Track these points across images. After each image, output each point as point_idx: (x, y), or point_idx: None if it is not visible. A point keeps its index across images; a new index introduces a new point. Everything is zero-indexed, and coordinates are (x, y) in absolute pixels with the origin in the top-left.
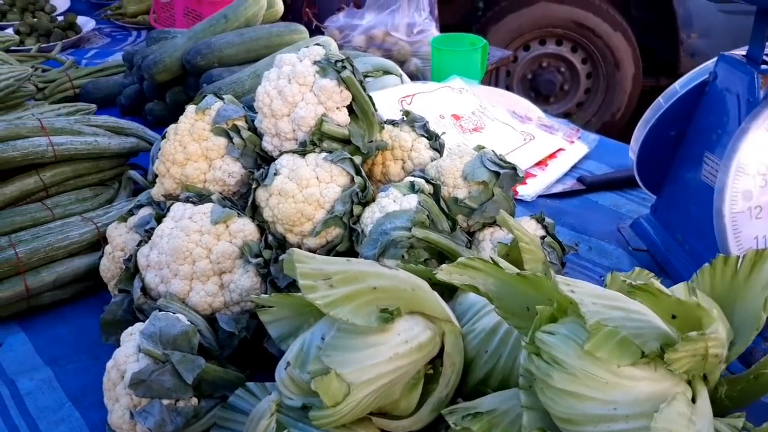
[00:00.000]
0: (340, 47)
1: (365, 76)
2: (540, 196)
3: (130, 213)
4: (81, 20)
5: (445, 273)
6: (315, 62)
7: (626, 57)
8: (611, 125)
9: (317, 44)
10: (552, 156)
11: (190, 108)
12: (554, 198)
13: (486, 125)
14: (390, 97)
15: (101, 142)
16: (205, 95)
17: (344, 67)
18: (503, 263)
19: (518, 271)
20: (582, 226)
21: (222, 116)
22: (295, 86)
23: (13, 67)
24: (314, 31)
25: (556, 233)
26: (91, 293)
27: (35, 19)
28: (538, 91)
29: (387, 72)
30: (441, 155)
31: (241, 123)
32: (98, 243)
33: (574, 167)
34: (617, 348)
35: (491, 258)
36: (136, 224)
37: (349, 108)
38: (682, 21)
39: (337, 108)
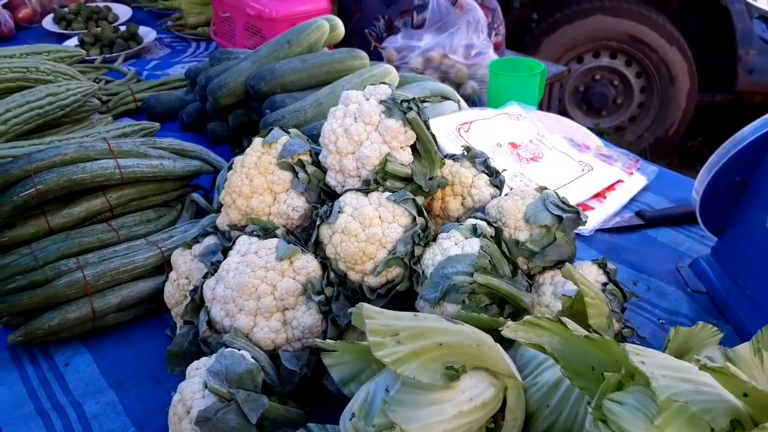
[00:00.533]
0: (398, 68)
1: (423, 101)
2: (598, 230)
3: (195, 240)
4: (142, 30)
5: (510, 331)
6: (381, 102)
7: (682, 72)
8: (664, 141)
9: (383, 83)
10: (610, 188)
11: (257, 141)
12: (612, 233)
13: (544, 154)
14: (448, 125)
15: (166, 165)
16: (272, 128)
17: (410, 108)
18: (570, 324)
19: (586, 333)
20: (640, 264)
21: (288, 150)
22: (360, 125)
23: (80, 83)
24: (372, 52)
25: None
26: (153, 315)
27: (99, 29)
28: (590, 104)
29: (445, 97)
30: (501, 192)
31: (305, 157)
32: (162, 266)
33: (633, 200)
34: (687, 424)
35: (558, 318)
36: (201, 253)
37: (413, 146)
38: (741, 37)
39: (401, 147)
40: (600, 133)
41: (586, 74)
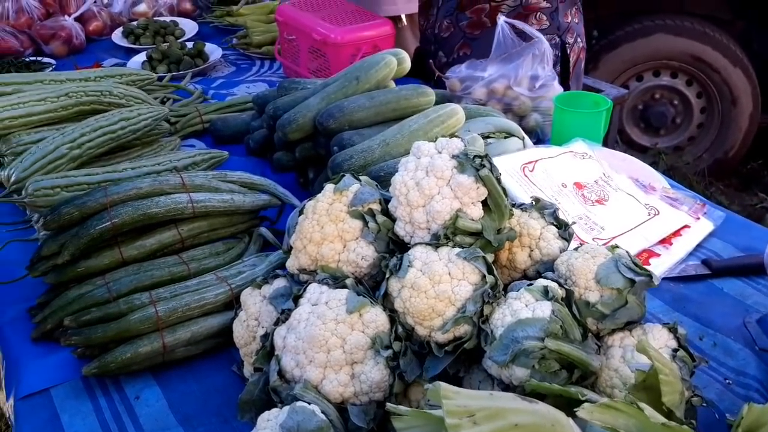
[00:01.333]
0: (460, 99)
1: (486, 137)
2: (663, 279)
3: (264, 281)
4: (208, 48)
5: (587, 413)
6: (453, 156)
7: (744, 94)
8: (723, 162)
9: (454, 135)
10: (676, 233)
11: (329, 187)
12: (678, 281)
13: (609, 196)
14: (512, 163)
15: (236, 199)
16: (343, 175)
17: (482, 165)
18: (648, 410)
19: (663, 420)
20: (706, 318)
21: (359, 199)
22: (432, 179)
23: (151, 107)
24: (436, 81)
25: (680, 324)
26: (220, 349)
27: (166, 45)
28: (648, 123)
29: (509, 134)
30: (569, 244)
31: (375, 206)
32: (231, 303)
33: (699, 246)
34: None
35: (635, 402)
36: (270, 296)
37: (483, 201)
38: None
39: (472, 203)
40: (658, 153)
41: (646, 93)
